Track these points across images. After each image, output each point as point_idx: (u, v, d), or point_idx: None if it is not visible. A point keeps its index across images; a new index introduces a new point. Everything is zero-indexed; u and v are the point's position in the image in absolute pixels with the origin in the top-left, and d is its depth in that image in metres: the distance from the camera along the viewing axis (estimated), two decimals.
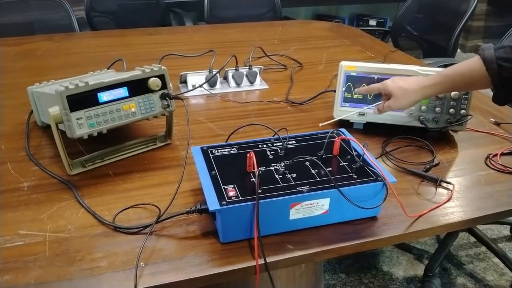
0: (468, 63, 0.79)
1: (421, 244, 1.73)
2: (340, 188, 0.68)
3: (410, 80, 0.88)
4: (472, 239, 1.75)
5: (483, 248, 1.70)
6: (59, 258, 0.65)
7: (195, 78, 1.25)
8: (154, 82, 0.86)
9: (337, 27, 2.00)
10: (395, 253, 1.68)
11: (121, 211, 0.75)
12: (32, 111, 1.03)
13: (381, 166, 0.72)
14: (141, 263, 0.64)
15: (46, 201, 0.77)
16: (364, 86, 0.99)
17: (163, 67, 0.88)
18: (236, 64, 1.28)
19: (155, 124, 1.04)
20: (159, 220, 0.70)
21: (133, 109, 0.85)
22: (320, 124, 1.02)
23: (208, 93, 1.23)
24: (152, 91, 0.87)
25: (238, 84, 1.28)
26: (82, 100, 0.78)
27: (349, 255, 1.62)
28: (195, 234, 0.70)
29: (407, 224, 0.73)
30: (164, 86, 0.88)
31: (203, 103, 1.18)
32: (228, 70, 1.28)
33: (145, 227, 0.70)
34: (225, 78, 1.29)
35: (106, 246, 0.67)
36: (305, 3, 3.36)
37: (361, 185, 0.69)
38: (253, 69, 1.29)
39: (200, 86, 1.20)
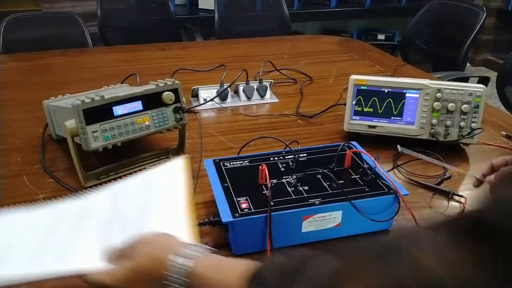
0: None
1: None
2: (352, 201, 0.68)
3: None
4: None
5: None
6: None
7: (207, 92, 1.26)
8: (168, 96, 0.87)
9: (346, 41, 2.02)
10: None
11: None
12: (47, 125, 1.04)
13: (393, 179, 0.72)
14: None
15: None
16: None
17: (176, 81, 0.89)
18: (247, 78, 1.30)
19: (167, 137, 1.05)
20: None
21: (147, 123, 0.87)
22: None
23: (219, 106, 1.25)
24: (166, 105, 0.88)
25: (248, 98, 1.29)
26: (98, 113, 0.80)
27: None
28: (207, 246, 0.70)
29: None
30: (177, 100, 0.90)
31: (214, 116, 1.20)
32: (238, 84, 1.29)
33: None
34: (236, 92, 1.31)
35: None
36: (314, 18, 3.40)
37: (373, 198, 0.70)
38: (263, 83, 1.30)
39: (212, 100, 1.22)
